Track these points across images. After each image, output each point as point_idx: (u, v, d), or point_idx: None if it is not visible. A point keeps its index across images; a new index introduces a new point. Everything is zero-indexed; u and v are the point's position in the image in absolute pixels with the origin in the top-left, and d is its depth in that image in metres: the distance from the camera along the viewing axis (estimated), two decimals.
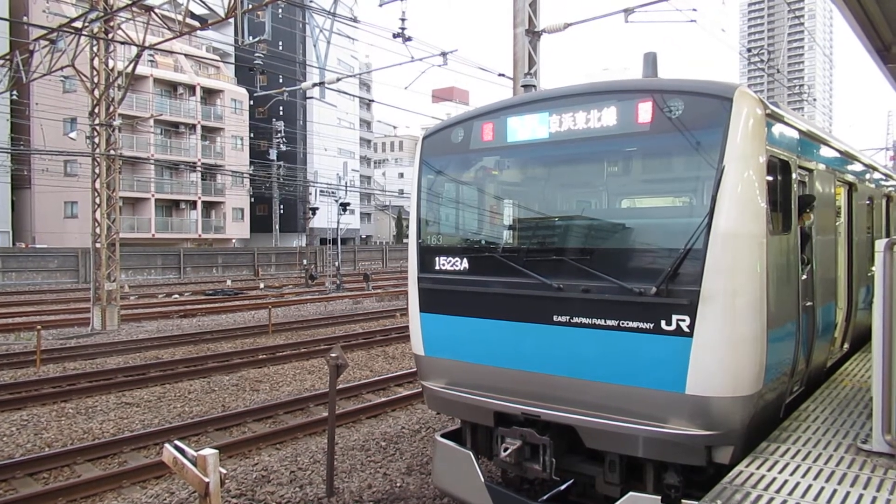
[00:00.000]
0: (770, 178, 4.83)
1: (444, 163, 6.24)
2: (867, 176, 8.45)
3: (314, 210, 45.73)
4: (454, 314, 5.87)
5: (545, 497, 6.23)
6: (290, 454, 8.55)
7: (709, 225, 4.45)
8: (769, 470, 4.19)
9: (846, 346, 7.56)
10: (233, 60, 63.93)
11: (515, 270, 5.39)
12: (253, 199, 62.38)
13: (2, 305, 25.87)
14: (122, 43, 19.58)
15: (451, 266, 5.90)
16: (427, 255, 6.13)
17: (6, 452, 8.74)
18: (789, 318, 5.13)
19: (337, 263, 35.47)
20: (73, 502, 7.30)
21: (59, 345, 16.89)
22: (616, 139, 5.12)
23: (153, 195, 51.62)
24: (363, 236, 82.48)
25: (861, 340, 7.96)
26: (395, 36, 15.16)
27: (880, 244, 4.33)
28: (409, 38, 15.16)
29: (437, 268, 6.01)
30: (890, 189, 10.16)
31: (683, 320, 4.49)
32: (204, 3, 16.50)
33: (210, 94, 57.81)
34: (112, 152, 20.89)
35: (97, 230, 20.84)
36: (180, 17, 17.60)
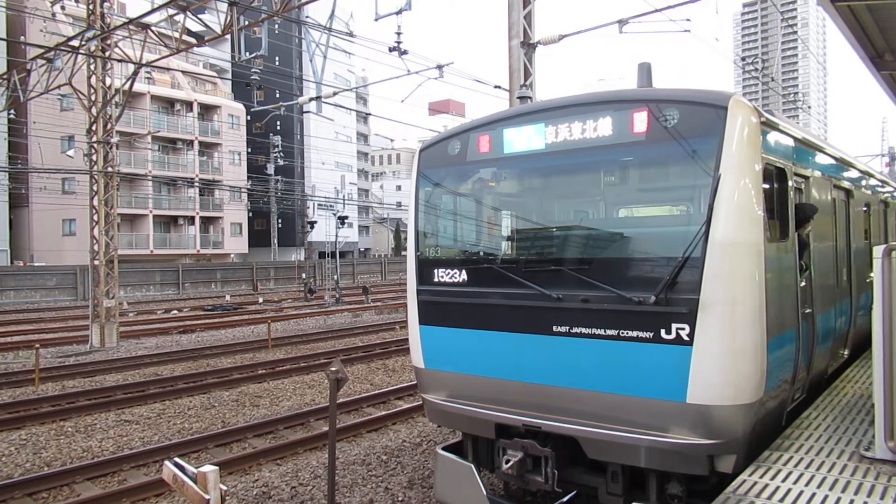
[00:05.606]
0: (766, 186, 4.84)
1: (442, 175, 6.26)
2: (863, 182, 8.48)
3: (312, 224, 45.64)
4: (454, 326, 5.87)
5: None
6: (291, 469, 8.51)
7: (706, 233, 4.46)
8: (772, 479, 4.17)
9: (846, 352, 7.56)
10: (230, 76, 64.43)
11: (514, 281, 5.39)
12: (251, 214, 62.42)
13: (0, 324, 25.78)
14: (120, 61, 19.66)
15: (450, 278, 5.90)
16: (426, 267, 6.14)
17: (5, 472, 8.68)
18: (789, 325, 5.12)
19: (336, 277, 35.42)
20: None
21: (58, 363, 16.81)
22: (612, 149, 5.14)
23: (151, 211, 51.65)
24: (361, 249, 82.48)
25: (861, 346, 7.96)
26: (391, 50, 15.24)
27: (878, 250, 4.33)
28: (405, 52, 15.23)
29: (435, 280, 6.01)
30: (886, 195, 10.19)
31: (683, 329, 4.49)
32: (200, 20, 16.58)
33: (207, 110, 57.97)
34: (110, 169, 20.92)
35: (95, 247, 20.83)
36: (177, 35, 17.68)
